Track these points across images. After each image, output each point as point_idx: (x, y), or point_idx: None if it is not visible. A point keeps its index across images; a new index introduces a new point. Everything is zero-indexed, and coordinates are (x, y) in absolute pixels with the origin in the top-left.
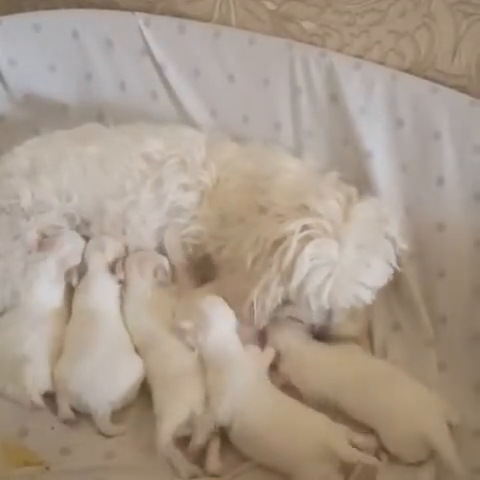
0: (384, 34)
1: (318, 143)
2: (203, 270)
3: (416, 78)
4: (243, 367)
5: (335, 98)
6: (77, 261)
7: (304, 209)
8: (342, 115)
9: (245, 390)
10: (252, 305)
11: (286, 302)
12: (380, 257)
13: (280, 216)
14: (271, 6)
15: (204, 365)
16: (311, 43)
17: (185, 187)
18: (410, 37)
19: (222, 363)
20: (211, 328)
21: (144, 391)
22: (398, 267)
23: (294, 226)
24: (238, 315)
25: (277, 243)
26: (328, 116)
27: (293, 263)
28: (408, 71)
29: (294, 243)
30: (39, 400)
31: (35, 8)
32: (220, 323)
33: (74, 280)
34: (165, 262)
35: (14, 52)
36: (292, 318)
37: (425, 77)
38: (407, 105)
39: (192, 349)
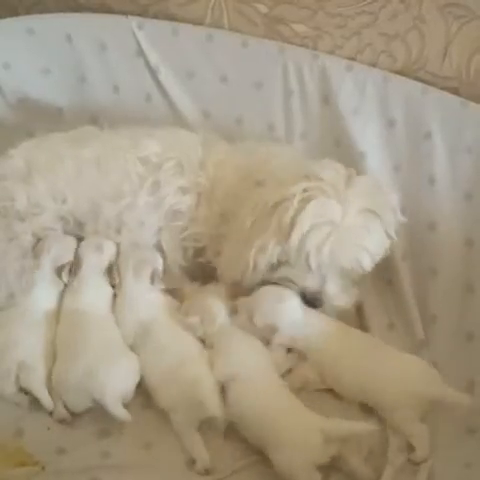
0: (375, 36)
1: (311, 144)
2: (201, 272)
3: (407, 79)
4: (244, 340)
5: (327, 100)
6: (68, 259)
7: (305, 177)
8: (334, 116)
9: (246, 359)
10: (247, 266)
11: (281, 263)
12: (380, 224)
13: (280, 183)
14: (263, 9)
15: (210, 344)
16: (303, 45)
17: (183, 190)
18: (401, 39)
19: (227, 339)
20: (216, 317)
21: (139, 392)
22: (395, 238)
23: (295, 189)
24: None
25: (277, 205)
26: (321, 117)
27: (293, 221)
28: (399, 73)
29: (295, 203)
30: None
31: (29, 12)
32: (221, 311)
33: (64, 277)
34: (159, 264)
35: (8, 56)
36: (284, 281)
37: (416, 79)
38: (399, 106)
39: (201, 339)
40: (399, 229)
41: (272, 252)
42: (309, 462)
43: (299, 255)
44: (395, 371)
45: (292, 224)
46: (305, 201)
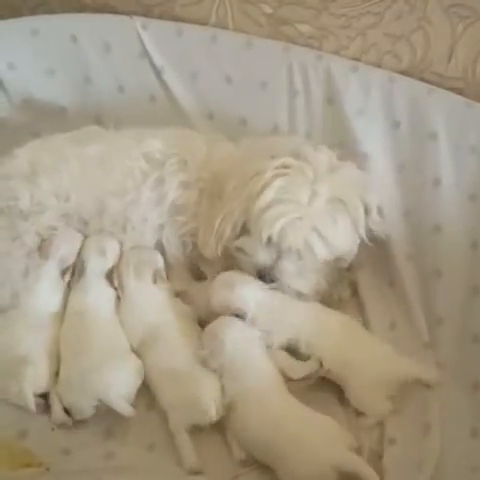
0: (380, 37)
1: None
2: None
3: (412, 80)
4: (259, 370)
5: (332, 100)
6: (74, 260)
7: (295, 155)
8: (339, 117)
9: (255, 390)
10: (215, 233)
11: (242, 233)
12: (349, 218)
13: (273, 157)
14: (268, 9)
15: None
16: (308, 46)
17: (185, 185)
18: (406, 40)
19: (238, 369)
20: (224, 347)
21: (143, 393)
22: (366, 238)
23: (274, 163)
24: None
25: (254, 176)
26: (325, 118)
27: (261, 192)
28: (404, 73)
29: (269, 174)
30: (32, 404)
31: (33, 13)
32: (232, 338)
33: (67, 277)
34: (161, 263)
35: (13, 56)
36: (240, 253)
37: (421, 79)
38: (403, 107)
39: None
40: (401, 230)
41: (237, 218)
42: None
43: (256, 225)
44: (370, 352)
45: (259, 193)
46: (278, 176)
